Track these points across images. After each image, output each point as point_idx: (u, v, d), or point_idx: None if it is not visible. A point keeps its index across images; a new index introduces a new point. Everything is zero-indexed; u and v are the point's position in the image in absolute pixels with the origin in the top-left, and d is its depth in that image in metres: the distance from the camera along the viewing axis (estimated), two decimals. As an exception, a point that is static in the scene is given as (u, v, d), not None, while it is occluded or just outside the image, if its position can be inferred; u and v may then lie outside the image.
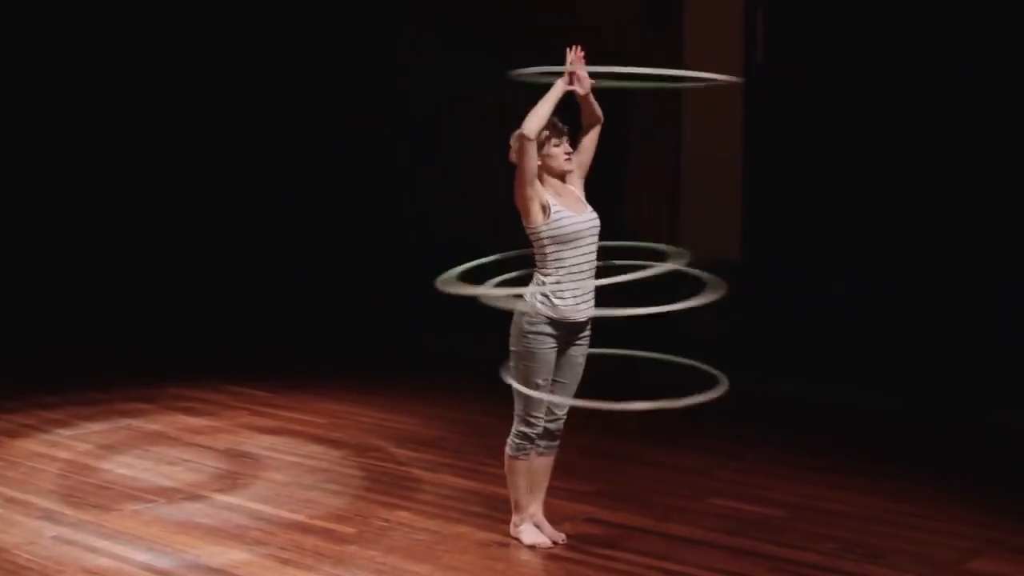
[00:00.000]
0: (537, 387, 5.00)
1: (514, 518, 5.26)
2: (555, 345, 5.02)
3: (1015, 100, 8.72)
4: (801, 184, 9.81)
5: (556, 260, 4.98)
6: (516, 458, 5.12)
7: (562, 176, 5.09)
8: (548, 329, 4.98)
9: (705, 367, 5.19)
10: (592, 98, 5.09)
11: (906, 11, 9.17)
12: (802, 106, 9.74)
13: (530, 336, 4.98)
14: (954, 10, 8.94)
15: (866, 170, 9.41)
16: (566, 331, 5.03)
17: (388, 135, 12.40)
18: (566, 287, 4.98)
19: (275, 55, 12.40)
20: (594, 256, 5.07)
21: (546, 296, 4.97)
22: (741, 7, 10.10)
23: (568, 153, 5.06)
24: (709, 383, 5.05)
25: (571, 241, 4.98)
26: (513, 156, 5.02)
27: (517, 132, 4.96)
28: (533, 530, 5.23)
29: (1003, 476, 6.65)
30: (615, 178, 10.85)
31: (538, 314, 4.98)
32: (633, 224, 11.10)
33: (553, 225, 4.96)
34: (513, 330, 5.04)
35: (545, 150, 5.01)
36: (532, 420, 5.07)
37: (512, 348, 5.05)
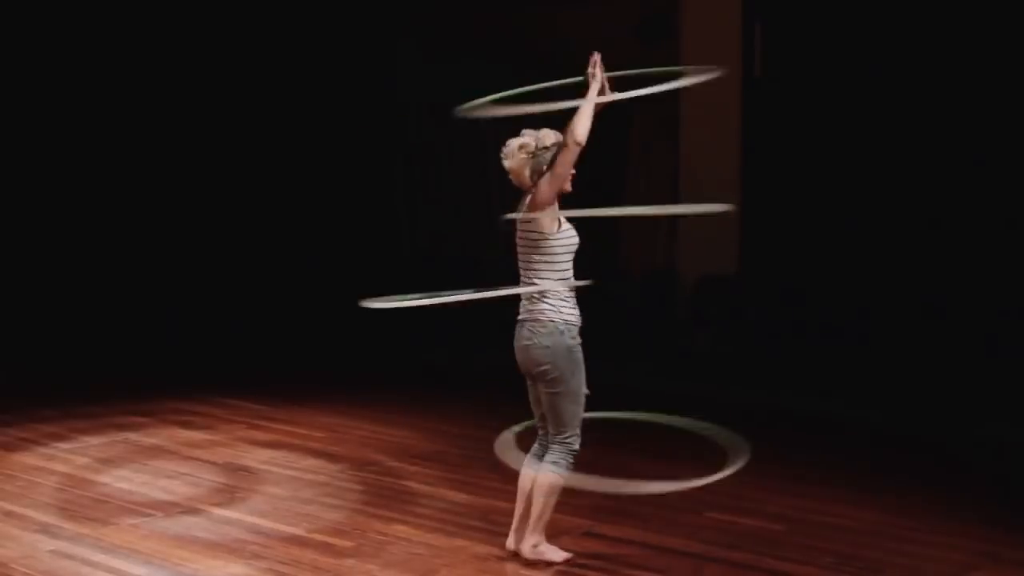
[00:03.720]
0: (586, 397, 5.05)
1: (536, 539, 5.17)
2: None
3: (1011, 117, 8.76)
4: (798, 198, 9.84)
5: (563, 271, 5.00)
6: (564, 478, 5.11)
7: (560, 196, 5.07)
8: (580, 338, 5.04)
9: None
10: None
11: (904, 25, 9.21)
12: (800, 119, 9.78)
13: (574, 349, 5.00)
14: (954, 23, 8.99)
15: (862, 184, 9.44)
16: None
17: (385, 149, 12.44)
18: (572, 293, 5.05)
19: (276, 68, 12.44)
20: None
21: (571, 305, 5.02)
22: (739, 21, 10.14)
23: (573, 175, 5.03)
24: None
25: (573, 253, 5.05)
26: (515, 164, 5.00)
27: (521, 140, 4.98)
28: (556, 548, 5.22)
29: (999, 490, 6.65)
30: (613, 190, 10.88)
31: (576, 325, 5.01)
32: (630, 239, 11.13)
33: (567, 235, 5.02)
34: (558, 351, 4.94)
35: None
36: (579, 434, 5.09)
37: (560, 369, 4.95)
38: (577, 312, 5.03)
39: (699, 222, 10.43)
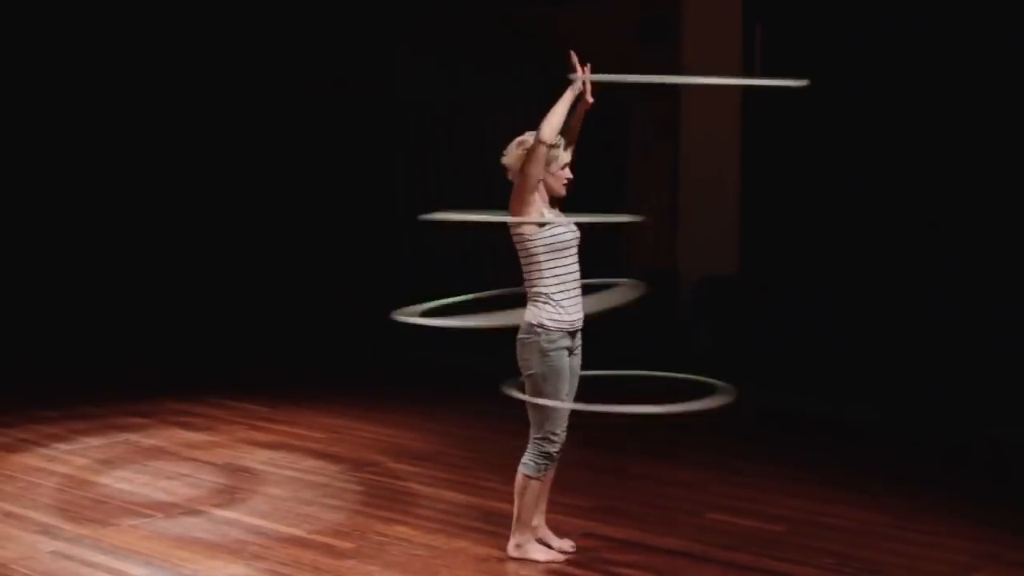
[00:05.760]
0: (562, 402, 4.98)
1: (518, 539, 5.18)
2: (568, 357, 5.01)
3: (1011, 118, 8.76)
4: (798, 198, 9.84)
5: (551, 271, 4.93)
6: (537, 479, 5.08)
7: (553, 198, 5.03)
8: (565, 342, 4.96)
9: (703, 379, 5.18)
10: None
11: (904, 27, 9.21)
12: (800, 119, 9.77)
13: (551, 354, 4.92)
14: (954, 23, 8.98)
15: (862, 185, 9.43)
16: (571, 339, 5.02)
17: (386, 149, 12.44)
18: (567, 294, 4.96)
19: (276, 70, 12.46)
20: (578, 266, 5.05)
21: (557, 307, 4.93)
22: (739, 22, 10.14)
23: (568, 179, 5.00)
24: (707, 392, 5.07)
25: (563, 251, 4.95)
26: (510, 160, 4.97)
27: (521, 138, 4.92)
28: (540, 547, 5.21)
29: (999, 491, 6.66)
30: (613, 193, 10.87)
31: (554, 329, 4.92)
32: (631, 239, 11.13)
33: (547, 235, 4.91)
34: (528, 352, 4.94)
35: (552, 168, 4.95)
36: (555, 438, 5.02)
37: (531, 371, 4.94)
38: (564, 316, 4.92)
39: (699, 221, 10.43)
